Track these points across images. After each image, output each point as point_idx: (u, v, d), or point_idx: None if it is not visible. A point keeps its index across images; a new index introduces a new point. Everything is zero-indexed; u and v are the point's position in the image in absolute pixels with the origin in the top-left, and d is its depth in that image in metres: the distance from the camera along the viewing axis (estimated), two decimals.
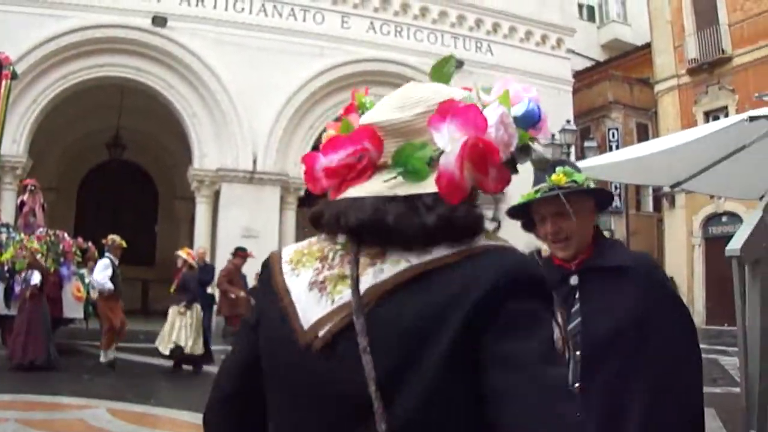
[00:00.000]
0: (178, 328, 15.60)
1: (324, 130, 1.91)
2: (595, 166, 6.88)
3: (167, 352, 15.61)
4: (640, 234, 36.20)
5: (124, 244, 16.72)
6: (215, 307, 18.31)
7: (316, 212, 1.70)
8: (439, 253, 1.54)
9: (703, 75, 34.16)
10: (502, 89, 1.72)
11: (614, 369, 3.33)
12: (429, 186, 1.55)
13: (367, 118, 1.69)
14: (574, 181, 3.50)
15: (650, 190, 37.07)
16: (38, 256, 16.60)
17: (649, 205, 38.83)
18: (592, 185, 3.59)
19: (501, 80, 1.77)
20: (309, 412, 1.60)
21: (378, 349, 1.49)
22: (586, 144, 29.80)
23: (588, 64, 42.50)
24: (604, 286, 3.48)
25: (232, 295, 16.63)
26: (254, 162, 26.76)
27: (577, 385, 3.36)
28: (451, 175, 1.50)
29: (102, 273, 15.87)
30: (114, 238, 16.54)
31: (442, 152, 1.54)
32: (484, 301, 1.46)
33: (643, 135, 35.99)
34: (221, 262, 20.30)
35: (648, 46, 38.61)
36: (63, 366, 15.52)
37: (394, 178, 1.59)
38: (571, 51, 35.11)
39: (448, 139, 1.52)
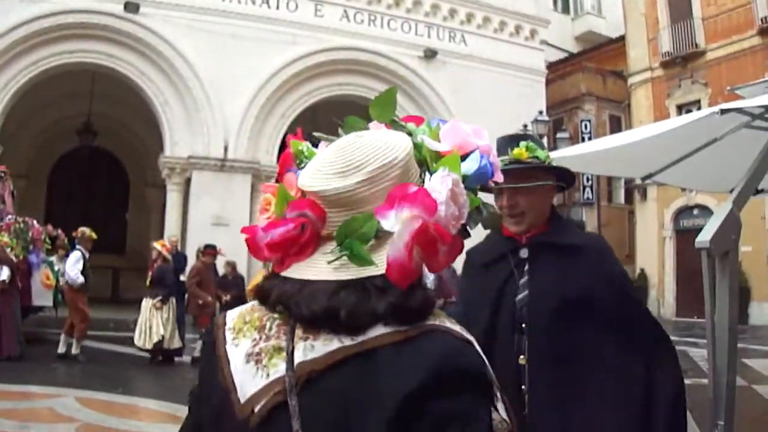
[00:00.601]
0: (157, 324, 15.54)
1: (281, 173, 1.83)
2: (567, 157, 6.88)
3: (150, 347, 15.54)
4: (612, 226, 36.35)
5: (95, 236, 16.61)
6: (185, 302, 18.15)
7: (262, 290, 1.67)
8: (373, 331, 1.50)
9: (676, 68, 34.26)
10: (452, 135, 1.67)
11: (561, 342, 3.32)
12: (376, 267, 1.51)
13: (306, 183, 1.62)
14: (536, 157, 3.48)
15: (622, 182, 37.24)
16: (8, 250, 16.45)
17: (620, 197, 38.98)
18: (553, 163, 3.57)
19: (451, 123, 1.71)
20: None
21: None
22: (559, 135, 29.89)
23: (562, 55, 42.63)
24: (554, 262, 3.47)
25: (200, 301, 16.47)
26: (225, 149, 26.69)
27: (522, 357, 3.37)
28: (401, 263, 1.44)
29: (74, 267, 15.81)
30: (84, 230, 16.44)
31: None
32: (409, 400, 1.41)
33: (616, 127, 36.08)
34: (192, 251, 20.16)
35: (622, 38, 38.73)
36: (31, 355, 15.46)
37: (339, 257, 1.54)
38: (545, 42, 35.14)
39: (396, 221, 1.47)
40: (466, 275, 3.97)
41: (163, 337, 15.48)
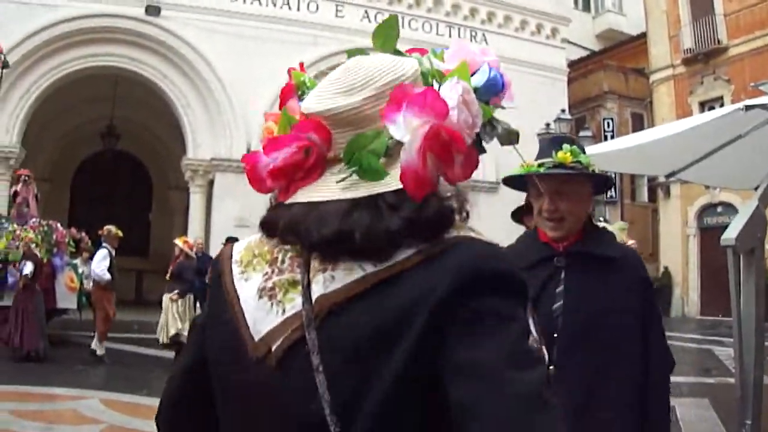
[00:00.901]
0: (173, 317, 15.60)
1: None
2: (590, 156, 6.86)
3: (167, 340, 15.60)
4: (635, 224, 36.12)
5: (120, 234, 16.77)
6: None
7: (268, 220, 1.59)
8: (398, 255, 1.41)
9: (698, 65, 34.11)
10: (458, 56, 1.59)
11: (591, 352, 3.35)
12: (389, 183, 1.42)
13: (310, 106, 1.54)
14: (579, 162, 3.49)
15: (645, 180, 37.13)
16: (32, 246, 16.57)
17: (644, 195, 38.83)
18: (595, 170, 3.60)
19: (455, 43, 1.65)
20: (261, 429, 1.50)
21: (332, 367, 1.38)
22: (581, 134, 29.73)
23: (583, 53, 42.52)
24: (590, 273, 3.49)
25: None
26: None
27: (551, 367, 3.34)
28: (415, 171, 1.36)
29: (101, 263, 15.95)
30: (110, 228, 16.59)
31: (398, 141, 1.41)
32: (443, 304, 1.33)
33: (638, 125, 35.96)
34: (215, 253, 20.22)
35: (643, 35, 38.57)
36: (55, 357, 15.55)
37: (349, 176, 1.45)
38: (566, 41, 35.05)
39: (406, 130, 1.38)
40: None
41: (180, 330, 15.50)
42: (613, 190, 34.73)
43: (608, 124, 35.92)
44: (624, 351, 3.36)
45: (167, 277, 16.36)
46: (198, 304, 16.42)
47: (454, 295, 1.34)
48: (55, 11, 24.89)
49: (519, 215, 7.26)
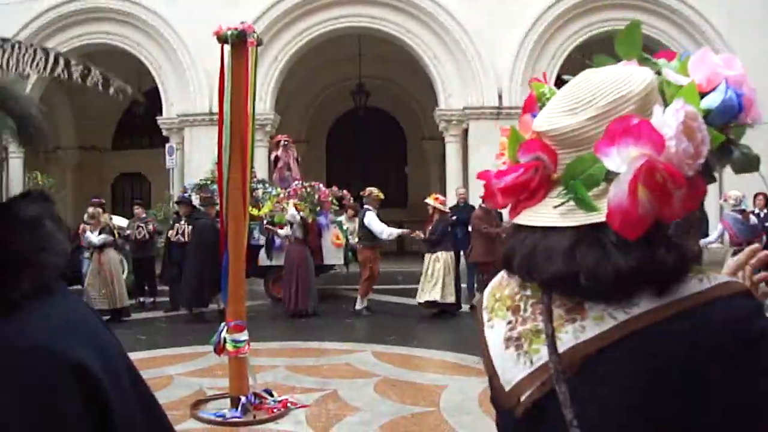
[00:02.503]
0: (431, 277, 15.75)
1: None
2: None
3: (423, 300, 15.78)
4: None
5: (382, 196, 17.40)
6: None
7: (508, 252, 1.56)
8: (646, 305, 1.34)
9: None
10: (700, 67, 1.47)
11: None
12: (604, 214, 1.35)
13: (537, 123, 1.52)
14: None
15: None
16: (295, 215, 17.14)
17: None
18: None
19: (700, 52, 1.51)
20: None
21: (588, 421, 1.35)
22: None
23: None
24: None
25: (487, 230, 16.21)
26: (500, 98, 26.64)
27: None
28: (625, 209, 1.28)
29: (379, 224, 16.52)
30: (372, 190, 17.21)
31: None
32: (714, 374, 1.27)
33: None
34: (475, 201, 20.19)
35: None
36: (325, 312, 16.37)
37: (566, 201, 1.42)
38: None
39: (619, 162, 1.30)
40: None
41: (442, 293, 15.72)
42: None
43: None
44: None
45: (421, 236, 16.43)
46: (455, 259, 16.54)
47: (728, 365, 1.27)
48: None
49: None
